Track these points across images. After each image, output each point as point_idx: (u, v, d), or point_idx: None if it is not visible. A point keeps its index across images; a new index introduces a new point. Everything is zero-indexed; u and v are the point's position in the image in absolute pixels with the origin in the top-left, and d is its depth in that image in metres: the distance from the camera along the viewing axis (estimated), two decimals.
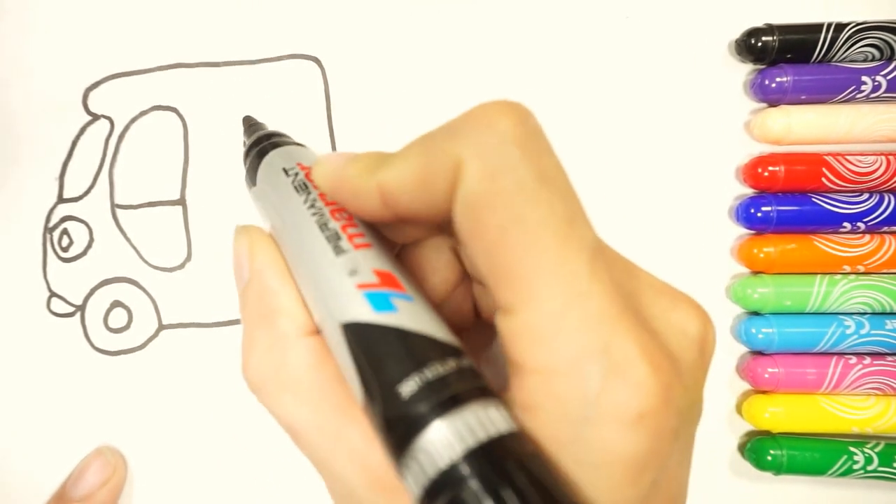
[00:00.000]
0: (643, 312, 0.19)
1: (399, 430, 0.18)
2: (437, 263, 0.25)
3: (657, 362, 0.18)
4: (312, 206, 0.24)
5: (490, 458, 0.17)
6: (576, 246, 0.18)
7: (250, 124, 0.35)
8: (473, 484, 0.16)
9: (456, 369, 0.19)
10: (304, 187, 0.25)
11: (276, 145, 0.29)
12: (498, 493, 0.16)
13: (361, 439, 0.20)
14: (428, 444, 0.17)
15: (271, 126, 0.34)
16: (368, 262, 0.22)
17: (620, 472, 0.18)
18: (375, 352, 0.19)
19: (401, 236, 0.25)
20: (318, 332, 0.22)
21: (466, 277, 0.26)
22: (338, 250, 0.22)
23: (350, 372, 0.20)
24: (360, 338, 0.20)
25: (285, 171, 0.26)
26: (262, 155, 0.29)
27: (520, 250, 0.18)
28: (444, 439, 0.17)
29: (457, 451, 0.17)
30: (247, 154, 0.30)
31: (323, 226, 0.23)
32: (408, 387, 0.18)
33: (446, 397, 0.18)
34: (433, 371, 0.18)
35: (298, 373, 0.22)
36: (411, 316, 0.20)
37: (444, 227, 0.24)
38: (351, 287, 0.21)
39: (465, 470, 0.17)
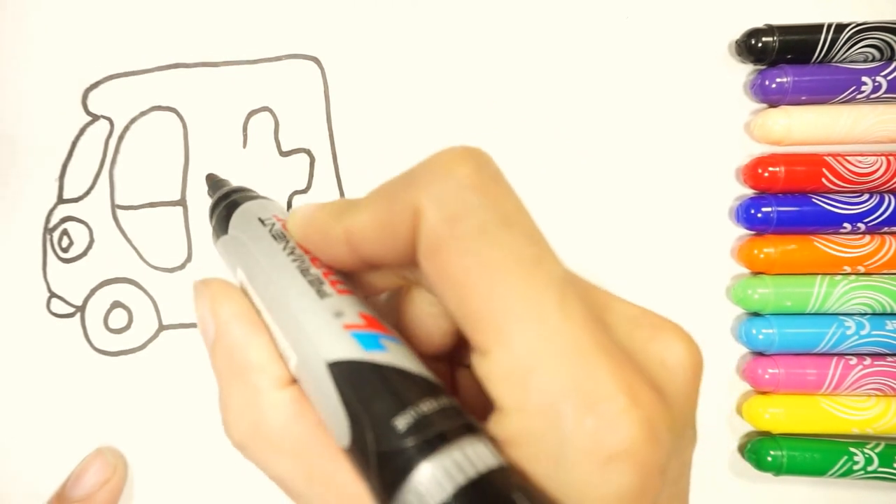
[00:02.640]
0: (621, 340, 0.19)
1: (391, 469, 0.18)
2: (427, 312, 0.25)
3: (636, 394, 0.17)
4: (292, 252, 0.24)
5: (480, 494, 0.17)
6: (543, 283, 0.18)
7: (215, 180, 0.35)
8: None
9: (442, 407, 0.19)
10: (281, 236, 0.25)
11: (248, 198, 0.29)
12: None
13: (353, 483, 0.20)
14: (418, 486, 0.17)
15: (235, 182, 0.36)
16: (353, 306, 0.22)
17: None
18: (367, 389, 0.19)
19: (372, 287, 0.25)
20: (292, 382, 0.22)
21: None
22: (322, 294, 0.22)
23: (336, 412, 0.20)
24: (350, 375, 0.20)
25: (261, 220, 0.26)
26: (234, 206, 0.29)
27: (486, 292, 0.18)
28: (435, 478, 0.17)
29: (447, 491, 0.17)
30: (215, 206, 0.30)
31: (305, 271, 0.23)
32: (403, 421, 0.18)
33: (435, 434, 0.18)
34: (426, 406, 0.18)
35: (279, 427, 0.22)
36: (399, 355, 0.20)
37: (419, 277, 0.24)
38: (338, 327, 0.21)
39: None
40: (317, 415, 0.21)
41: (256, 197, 0.29)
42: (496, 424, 0.19)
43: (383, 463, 0.18)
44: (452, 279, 0.19)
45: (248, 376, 0.22)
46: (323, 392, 0.20)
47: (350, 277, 0.24)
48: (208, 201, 0.43)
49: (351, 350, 0.20)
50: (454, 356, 0.27)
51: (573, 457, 0.17)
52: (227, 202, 0.29)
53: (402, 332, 0.25)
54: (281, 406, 0.22)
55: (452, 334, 0.25)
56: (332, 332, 0.21)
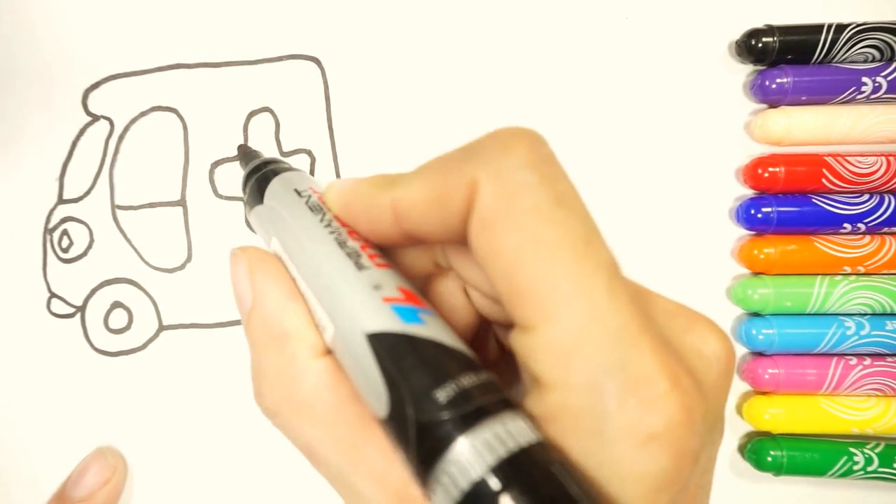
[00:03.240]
0: (661, 331, 0.19)
1: (431, 440, 0.18)
2: (451, 304, 0.25)
3: (678, 379, 0.18)
4: (329, 224, 0.24)
5: (520, 468, 0.17)
6: (593, 264, 0.18)
7: (247, 151, 0.34)
8: (506, 495, 0.16)
9: (482, 382, 0.19)
10: (318, 208, 0.25)
11: (284, 169, 0.29)
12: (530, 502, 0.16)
13: (381, 456, 0.20)
14: (459, 456, 0.17)
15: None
16: (391, 279, 0.22)
17: (635, 490, 0.18)
18: (407, 360, 0.19)
19: (410, 268, 0.25)
20: (328, 352, 0.22)
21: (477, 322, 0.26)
22: (360, 266, 0.22)
23: (374, 383, 0.20)
24: (390, 347, 0.20)
25: (297, 191, 0.26)
26: (269, 177, 0.28)
27: (538, 268, 0.18)
28: (476, 450, 0.17)
29: (487, 464, 0.17)
30: (248, 176, 0.30)
31: (342, 243, 0.23)
32: (444, 393, 0.18)
33: (475, 408, 0.18)
34: (466, 380, 0.18)
35: (313, 395, 0.22)
36: (438, 329, 0.20)
37: (452, 261, 0.24)
38: (377, 299, 0.21)
39: (497, 481, 0.17)
40: (351, 387, 0.22)
41: (291, 168, 0.29)
42: (536, 400, 0.19)
43: (423, 434, 0.18)
44: (504, 254, 0.19)
45: (284, 344, 0.22)
46: (361, 363, 0.20)
47: (386, 254, 0.24)
48: (208, 202, 0.43)
49: (390, 322, 0.20)
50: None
51: (613, 434, 0.17)
52: (262, 173, 0.29)
53: None
54: (316, 374, 0.22)
55: (475, 325, 0.26)
56: (371, 304, 0.21)
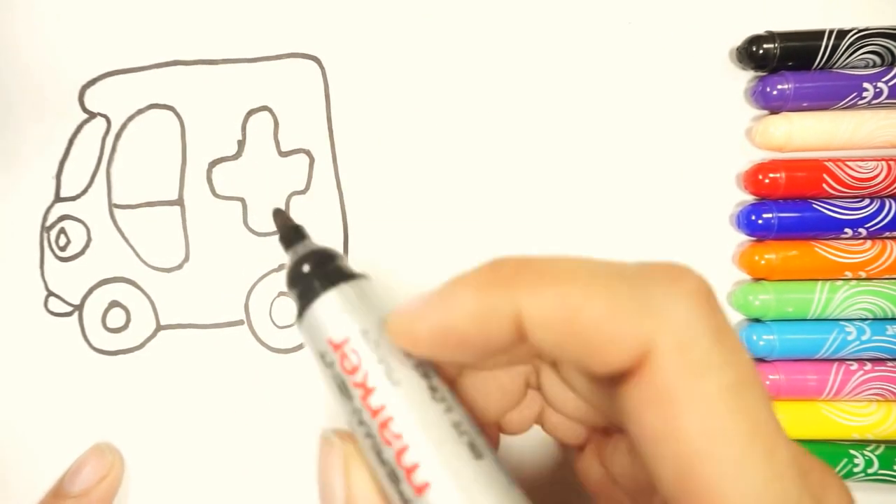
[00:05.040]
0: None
1: None
2: (506, 389, 0.24)
3: None
4: (360, 420, 0.20)
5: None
6: (782, 463, 0.17)
7: (285, 227, 0.26)
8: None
9: None
10: (344, 387, 0.20)
11: (311, 297, 0.22)
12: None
13: None
14: None
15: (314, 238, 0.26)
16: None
17: None
18: None
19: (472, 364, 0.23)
20: None
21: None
22: (402, 498, 0.19)
23: None
24: None
25: (321, 356, 0.21)
26: (305, 305, 0.22)
27: (720, 468, 0.17)
28: None
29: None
30: (291, 283, 0.24)
31: (378, 454, 0.19)
32: None
33: None
34: None
35: None
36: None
37: (547, 383, 0.23)
38: None
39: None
40: None
41: (322, 287, 0.22)
42: None
43: None
44: (681, 440, 0.17)
45: None
46: None
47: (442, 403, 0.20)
48: (206, 201, 0.43)
49: None
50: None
51: None
52: (301, 290, 0.23)
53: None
54: None
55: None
56: None
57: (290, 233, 0.25)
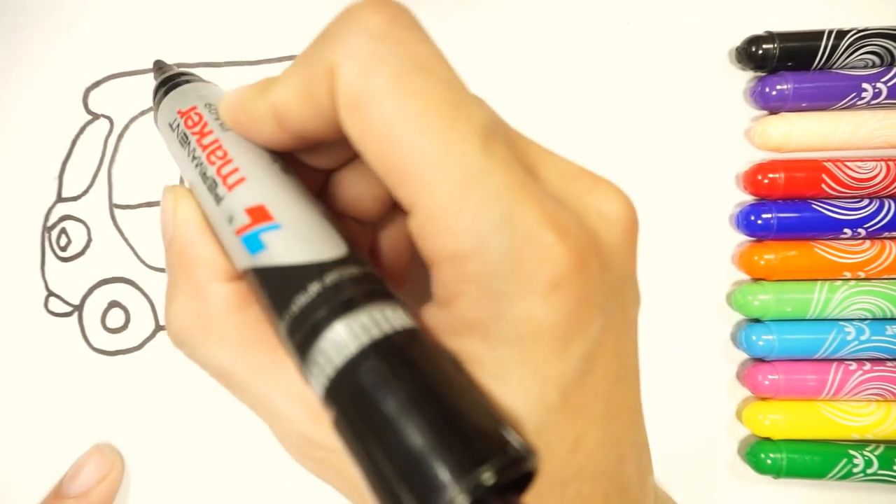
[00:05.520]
0: (554, 192, 0.19)
1: (299, 340, 0.18)
2: (363, 188, 0.25)
3: (564, 228, 0.18)
4: (193, 157, 0.23)
5: (386, 353, 0.17)
6: (464, 128, 0.18)
7: (158, 67, 0.31)
8: (368, 378, 0.17)
9: (352, 276, 0.19)
10: (185, 139, 0.24)
11: (163, 94, 0.27)
12: (390, 382, 0.16)
13: (295, 374, 0.20)
14: (325, 345, 0.18)
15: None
16: (240, 201, 0.21)
17: (544, 345, 0.17)
18: (268, 287, 0.20)
19: (320, 160, 0.25)
20: (239, 278, 0.22)
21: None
22: (217, 199, 0.22)
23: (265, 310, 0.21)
24: (251, 282, 0.20)
25: (170, 126, 0.25)
26: (156, 107, 0.27)
27: (407, 143, 0.18)
28: (339, 339, 0.17)
29: (350, 349, 0.17)
30: (156, 102, 0.28)
31: (203, 175, 0.23)
32: (293, 310, 0.18)
33: (337, 304, 0.18)
34: (330, 278, 0.19)
35: (221, 315, 0.22)
36: (282, 247, 0.20)
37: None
38: (232, 235, 0.21)
39: (361, 366, 0.17)
40: (260, 311, 0.22)
41: (171, 88, 0.27)
42: (435, 286, 0.19)
43: (294, 341, 0.19)
44: (372, 134, 0.18)
45: (195, 268, 0.22)
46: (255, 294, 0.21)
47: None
48: None
49: (244, 259, 0.20)
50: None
51: (513, 292, 0.17)
52: (156, 100, 0.27)
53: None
54: (224, 296, 0.22)
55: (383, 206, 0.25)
56: (231, 241, 0.21)
57: (161, 73, 0.29)
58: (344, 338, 0.17)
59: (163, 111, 0.26)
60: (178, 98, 0.26)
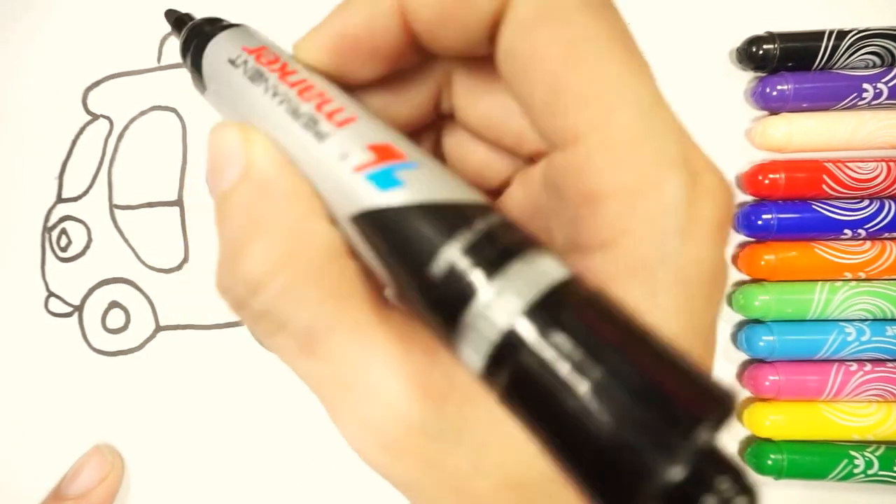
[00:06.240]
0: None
1: (446, 305, 0.16)
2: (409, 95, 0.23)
3: (720, 174, 0.17)
4: (276, 93, 0.20)
5: (553, 307, 0.15)
6: (638, 62, 0.17)
7: (176, 17, 0.27)
8: (554, 335, 0.14)
9: (489, 228, 0.16)
10: (258, 75, 0.21)
11: (209, 35, 0.24)
12: (587, 336, 0.14)
13: (399, 341, 0.18)
14: (483, 309, 0.15)
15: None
16: (358, 137, 0.18)
17: (704, 290, 0.17)
18: (397, 237, 0.17)
19: (398, 120, 0.23)
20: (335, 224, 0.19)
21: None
22: (319, 136, 0.19)
23: (375, 266, 0.18)
24: (375, 227, 0.17)
25: (231, 62, 0.22)
26: (200, 52, 0.23)
27: (588, 68, 0.17)
28: (500, 299, 0.15)
29: (517, 308, 0.15)
30: (184, 56, 0.25)
31: (294, 112, 0.19)
32: (442, 262, 0.16)
33: (490, 257, 0.15)
34: (465, 238, 0.16)
35: (322, 260, 0.18)
36: (425, 183, 0.18)
37: (459, 90, 0.22)
38: (347, 173, 0.18)
39: (531, 326, 0.14)
40: (362, 264, 0.19)
41: (220, 29, 0.24)
42: (588, 223, 0.17)
43: (436, 304, 0.16)
44: (548, 57, 0.17)
45: (290, 205, 0.18)
46: (358, 247, 0.18)
47: (350, 92, 0.21)
48: (206, 202, 0.43)
49: (367, 197, 0.17)
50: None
51: (691, 231, 0.16)
52: (193, 47, 0.24)
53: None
54: (328, 238, 0.18)
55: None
56: (343, 179, 0.18)
57: (179, 21, 0.26)
58: (513, 291, 0.15)
59: (218, 48, 0.23)
60: (239, 35, 0.23)
